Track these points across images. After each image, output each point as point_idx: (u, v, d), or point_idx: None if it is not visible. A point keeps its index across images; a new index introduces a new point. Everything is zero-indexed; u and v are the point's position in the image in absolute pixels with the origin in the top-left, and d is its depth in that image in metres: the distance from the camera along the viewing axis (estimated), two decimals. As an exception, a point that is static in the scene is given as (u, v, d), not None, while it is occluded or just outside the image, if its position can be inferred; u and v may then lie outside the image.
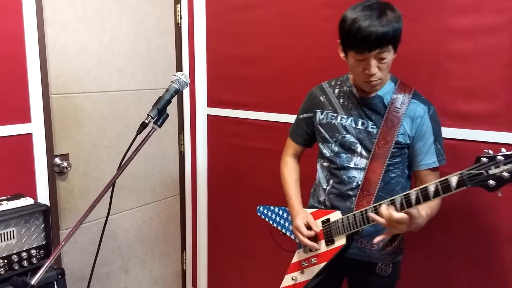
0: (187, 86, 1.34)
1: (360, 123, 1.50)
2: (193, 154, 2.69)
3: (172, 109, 2.60)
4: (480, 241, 1.69)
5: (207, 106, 2.60)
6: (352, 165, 1.51)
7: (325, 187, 1.59)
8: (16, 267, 1.68)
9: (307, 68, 2.10)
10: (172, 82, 1.30)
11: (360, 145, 1.49)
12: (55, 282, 1.74)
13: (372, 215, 1.35)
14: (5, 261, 1.65)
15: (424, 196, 1.25)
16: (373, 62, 1.34)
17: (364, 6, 1.33)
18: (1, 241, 1.64)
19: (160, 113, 1.26)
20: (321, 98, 1.60)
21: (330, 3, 1.97)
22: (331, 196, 1.56)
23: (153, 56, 2.48)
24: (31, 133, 1.95)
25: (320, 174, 1.62)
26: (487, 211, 1.65)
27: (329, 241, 1.51)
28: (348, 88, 1.54)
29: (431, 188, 1.23)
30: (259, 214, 1.79)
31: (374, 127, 1.47)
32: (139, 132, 1.24)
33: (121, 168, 1.22)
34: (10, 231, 1.66)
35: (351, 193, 1.50)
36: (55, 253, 1.11)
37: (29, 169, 1.96)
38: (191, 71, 2.60)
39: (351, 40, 1.34)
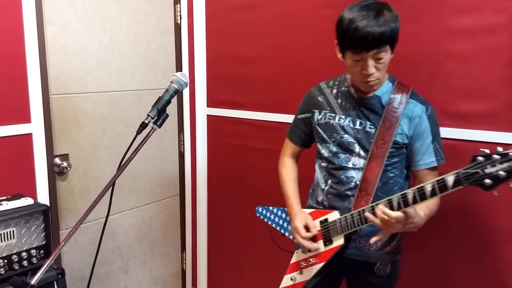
0: (186, 86, 1.34)
1: (358, 123, 1.50)
2: (193, 154, 2.69)
3: (172, 109, 2.60)
4: (479, 241, 1.69)
5: (207, 106, 2.60)
6: (350, 165, 1.51)
7: (323, 187, 1.59)
8: (16, 267, 1.68)
9: (307, 68, 2.10)
10: (171, 82, 1.31)
11: (358, 145, 1.49)
12: (55, 282, 1.74)
13: (367, 215, 1.35)
14: (5, 261, 1.65)
15: (421, 196, 1.25)
16: (371, 62, 1.34)
17: (361, 6, 1.33)
18: (1, 241, 1.64)
19: (159, 113, 1.26)
20: (319, 98, 1.60)
21: (330, 3, 1.96)
22: (330, 196, 1.56)
23: (153, 56, 2.48)
24: (31, 133, 1.95)
25: (319, 175, 1.63)
26: (485, 211, 1.65)
27: (327, 241, 1.51)
28: (346, 88, 1.54)
29: (428, 188, 1.23)
30: (258, 215, 1.79)
31: (372, 127, 1.47)
32: (138, 132, 1.24)
33: (121, 168, 1.22)
34: (10, 231, 1.66)
35: (349, 193, 1.51)
36: (55, 253, 1.11)
37: (29, 169, 1.96)
38: (191, 71, 2.60)
39: (348, 40, 1.34)
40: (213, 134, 2.61)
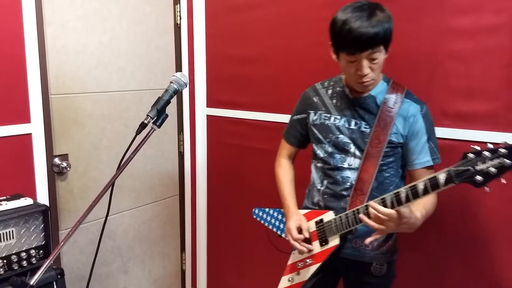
0: (186, 86, 1.33)
1: (353, 123, 1.50)
2: (193, 154, 2.69)
3: (171, 109, 2.60)
4: (475, 240, 1.69)
5: (207, 107, 2.60)
6: (345, 165, 1.51)
7: (319, 187, 1.59)
8: (16, 267, 1.68)
9: (307, 68, 2.10)
10: (171, 82, 1.30)
11: (354, 145, 1.49)
12: (54, 282, 1.73)
13: (361, 216, 1.35)
14: (5, 261, 1.65)
15: (414, 194, 1.25)
16: (365, 63, 1.35)
17: (354, 7, 1.34)
18: (1, 241, 1.64)
19: (159, 114, 1.26)
20: (314, 99, 1.61)
21: (330, 3, 1.96)
22: (325, 196, 1.56)
23: (153, 56, 2.48)
24: (30, 133, 1.94)
25: (314, 175, 1.63)
26: (482, 210, 1.65)
27: (323, 241, 1.51)
28: (340, 89, 1.55)
29: (420, 186, 1.24)
30: (254, 217, 1.80)
31: (367, 127, 1.47)
32: (138, 132, 1.24)
33: (121, 168, 1.22)
34: (9, 231, 1.66)
35: (345, 193, 1.51)
36: (54, 253, 1.10)
37: (29, 169, 1.96)
38: (191, 71, 2.60)
39: (342, 41, 1.35)
40: (212, 134, 2.61)
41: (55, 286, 1.74)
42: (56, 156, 2.08)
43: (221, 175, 2.61)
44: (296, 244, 1.51)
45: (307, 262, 1.56)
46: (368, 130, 1.47)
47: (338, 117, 1.53)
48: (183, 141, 2.71)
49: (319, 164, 1.59)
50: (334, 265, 1.57)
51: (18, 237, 1.68)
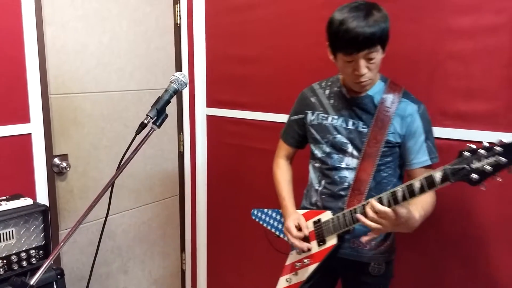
0: (186, 86, 1.33)
1: (350, 123, 1.50)
2: (193, 154, 2.69)
3: (171, 109, 2.60)
4: (473, 240, 1.69)
5: (207, 106, 2.60)
6: (343, 165, 1.51)
7: (317, 188, 1.59)
8: (15, 267, 1.67)
9: (307, 68, 2.10)
10: (171, 82, 1.30)
11: (351, 145, 1.49)
12: (54, 282, 1.73)
13: (358, 216, 1.35)
14: (4, 261, 1.64)
15: (410, 193, 1.25)
16: (362, 63, 1.35)
17: (351, 7, 1.34)
18: (0, 242, 1.63)
19: (159, 113, 1.26)
20: (311, 99, 1.61)
21: (330, 3, 1.94)
22: (323, 196, 1.56)
23: (153, 56, 2.48)
24: (30, 133, 1.94)
25: (312, 175, 1.63)
26: (480, 210, 1.65)
27: (321, 241, 1.51)
28: (338, 89, 1.55)
29: (417, 184, 1.23)
30: (253, 218, 1.80)
31: (365, 126, 1.47)
32: (138, 132, 1.24)
33: (120, 168, 1.22)
34: (9, 231, 1.66)
35: (343, 193, 1.51)
36: (54, 253, 1.10)
37: (28, 169, 1.96)
38: (191, 71, 2.60)
39: (339, 41, 1.35)
40: (212, 134, 2.61)
41: (55, 286, 1.74)
42: (55, 156, 2.08)
43: (221, 175, 2.60)
44: (296, 242, 1.51)
45: (305, 262, 1.56)
46: (365, 130, 1.47)
47: (336, 117, 1.53)
48: (183, 141, 2.71)
49: (317, 164, 1.59)
50: (332, 265, 1.57)
51: (18, 237, 1.68)
